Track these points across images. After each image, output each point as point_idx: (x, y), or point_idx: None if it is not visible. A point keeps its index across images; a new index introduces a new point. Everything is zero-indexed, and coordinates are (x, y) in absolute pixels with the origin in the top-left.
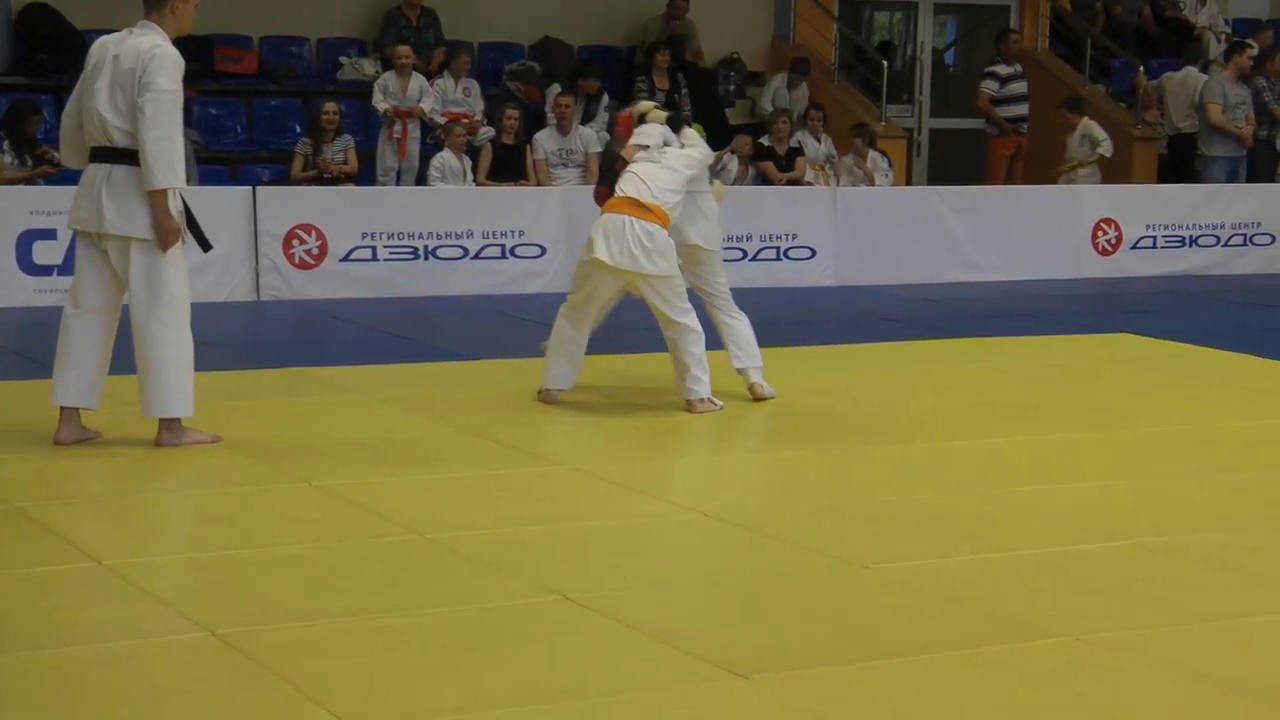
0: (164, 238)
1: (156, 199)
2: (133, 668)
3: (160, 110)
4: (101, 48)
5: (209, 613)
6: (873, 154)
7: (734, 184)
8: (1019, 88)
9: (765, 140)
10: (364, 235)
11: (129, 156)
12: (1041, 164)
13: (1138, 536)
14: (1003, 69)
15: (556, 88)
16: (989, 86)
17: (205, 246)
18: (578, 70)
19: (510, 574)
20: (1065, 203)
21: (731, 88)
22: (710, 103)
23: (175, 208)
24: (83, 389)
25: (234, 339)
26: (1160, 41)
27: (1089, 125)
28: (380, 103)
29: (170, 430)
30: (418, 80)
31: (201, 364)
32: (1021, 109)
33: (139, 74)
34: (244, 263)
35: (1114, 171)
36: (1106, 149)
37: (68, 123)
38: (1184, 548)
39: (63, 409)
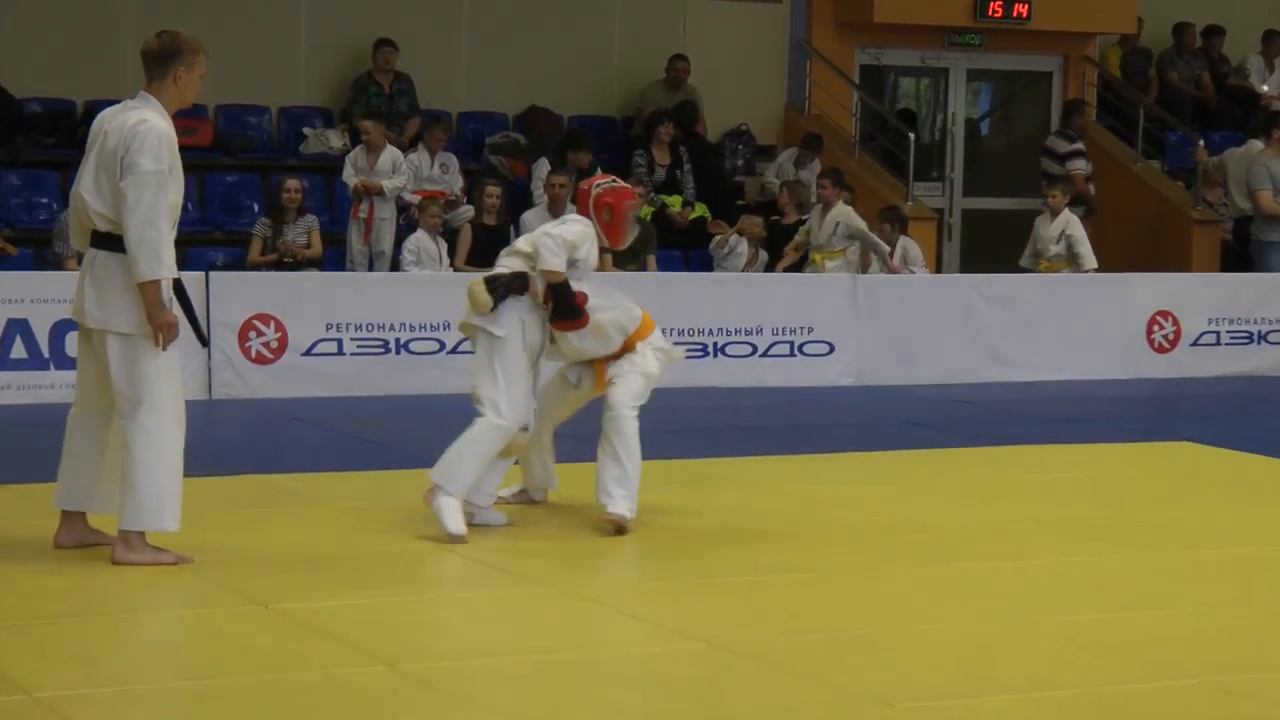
0: (157, 332)
1: (146, 292)
2: None
3: (144, 194)
4: (98, 122)
5: None
6: (904, 241)
7: (744, 268)
8: (1080, 167)
9: (776, 217)
10: (329, 327)
11: (111, 242)
12: (1095, 249)
13: (1204, 675)
14: (1063, 145)
15: (544, 163)
16: (1048, 164)
17: (202, 339)
18: (568, 142)
19: (490, 712)
20: (1116, 293)
21: (740, 162)
22: (715, 180)
23: (167, 297)
24: (82, 491)
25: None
26: (1221, 112)
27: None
28: (351, 178)
29: (127, 544)
30: (390, 154)
31: None
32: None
33: (121, 154)
34: (195, 357)
35: (1172, 258)
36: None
37: (71, 203)
38: (1259, 689)
39: (63, 512)
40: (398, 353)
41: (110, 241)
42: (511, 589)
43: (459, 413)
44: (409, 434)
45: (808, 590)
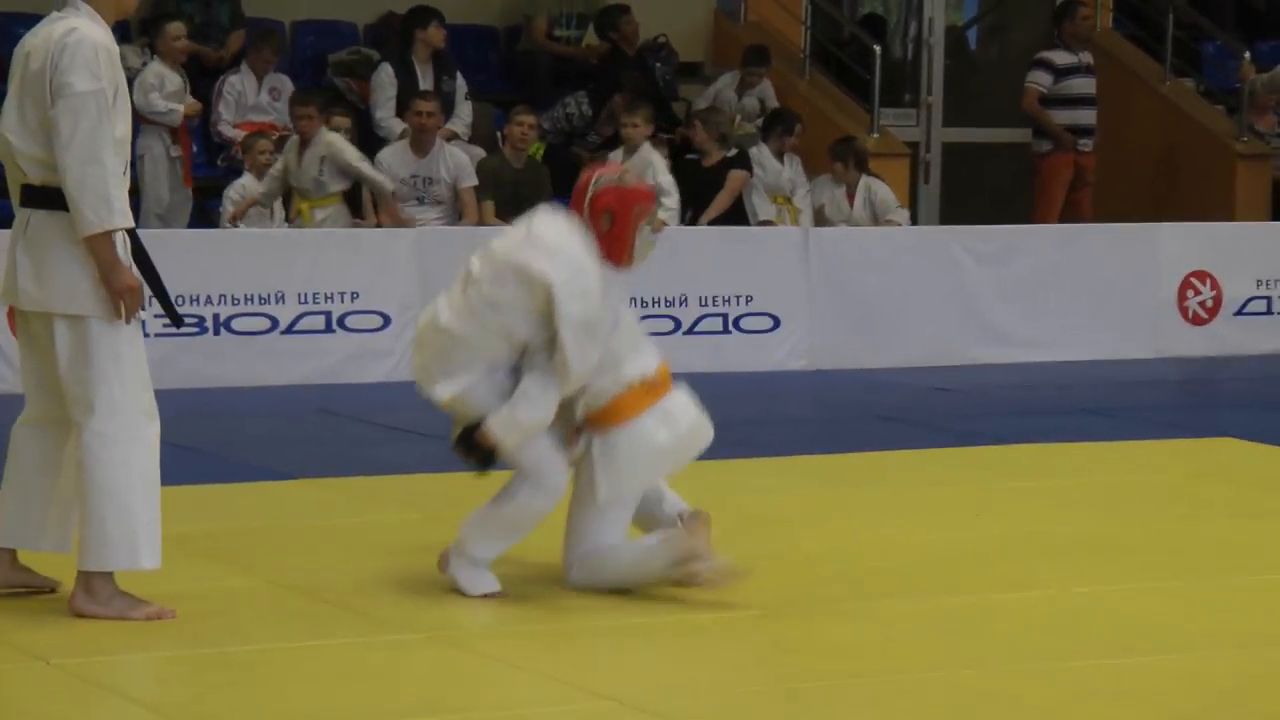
0: (117, 301)
1: (96, 248)
2: None
3: (81, 121)
4: (20, 45)
5: None
6: (868, 183)
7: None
8: (1083, 85)
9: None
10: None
11: (49, 197)
12: (1110, 191)
13: None
14: (1061, 57)
15: (388, 76)
16: (1039, 80)
17: (175, 318)
18: (444, 63)
19: None
20: (1141, 249)
21: (660, 83)
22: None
23: (126, 257)
24: (26, 526)
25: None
26: (1273, 17)
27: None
28: (149, 105)
29: (89, 591)
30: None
31: None
32: (1087, 115)
33: (50, 75)
34: None
35: (1211, 203)
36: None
37: None
38: None
39: None
40: (216, 333)
41: (48, 196)
42: (372, 636)
43: (294, 410)
44: (232, 437)
45: (751, 633)
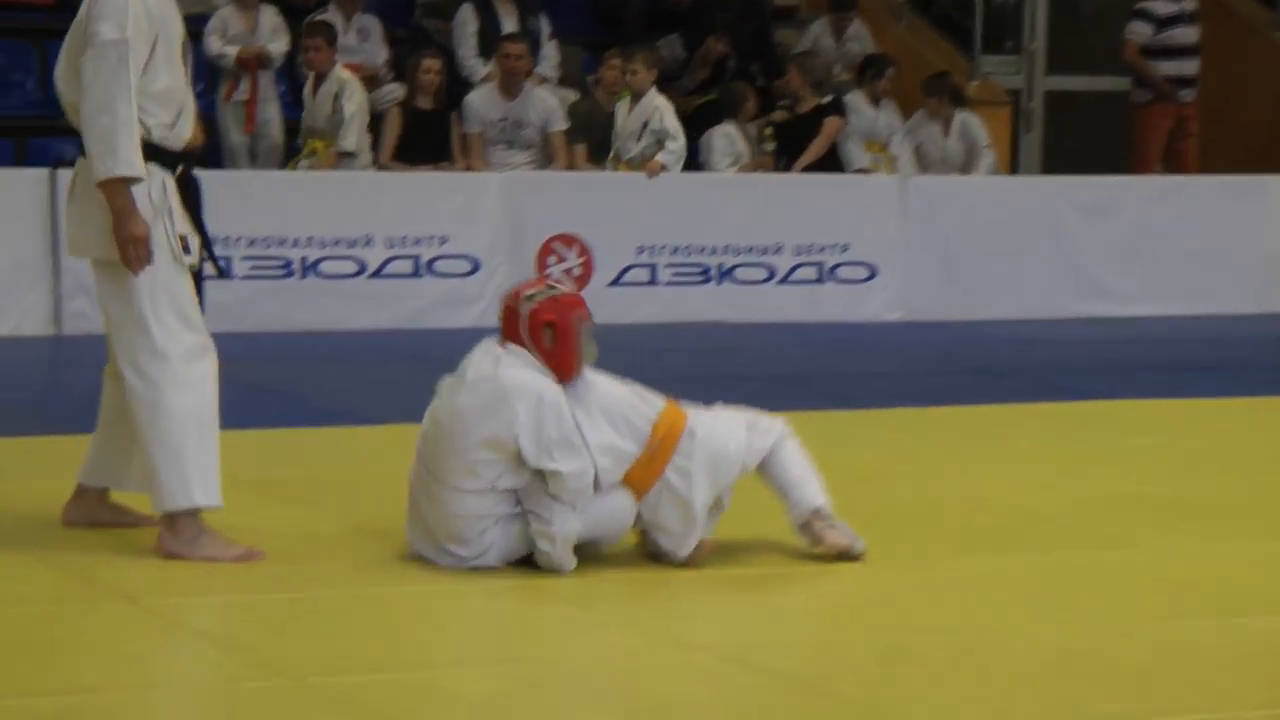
0: (124, 249)
1: (107, 195)
2: None
3: (100, 71)
4: None
5: None
6: (962, 118)
7: (749, 168)
8: (1185, 35)
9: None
10: (213, 241)
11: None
12: (1218, 144)
13: None
14: (1162, 7)
15: (469, 14)
16: (1139, 31)
17: (216, 268)
18: (528, 4)
19: None
20: (1250, 203)
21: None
22: (762, 46)
23: (145, 205)
24: (107, 466)
25: (23, 391)
26: None
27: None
28: (222, 47)
29: (172, 530)
30: (269, 15)
31: None
32: (1189, 66)
33: (85, 23)
34: (38, 281)
35: None
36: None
37: None
38: None
39: (78, 484)
40: (303, 276)
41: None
42: (457, 584)
43: (381, 355)
44: (318, 381)
45: (839, 587)
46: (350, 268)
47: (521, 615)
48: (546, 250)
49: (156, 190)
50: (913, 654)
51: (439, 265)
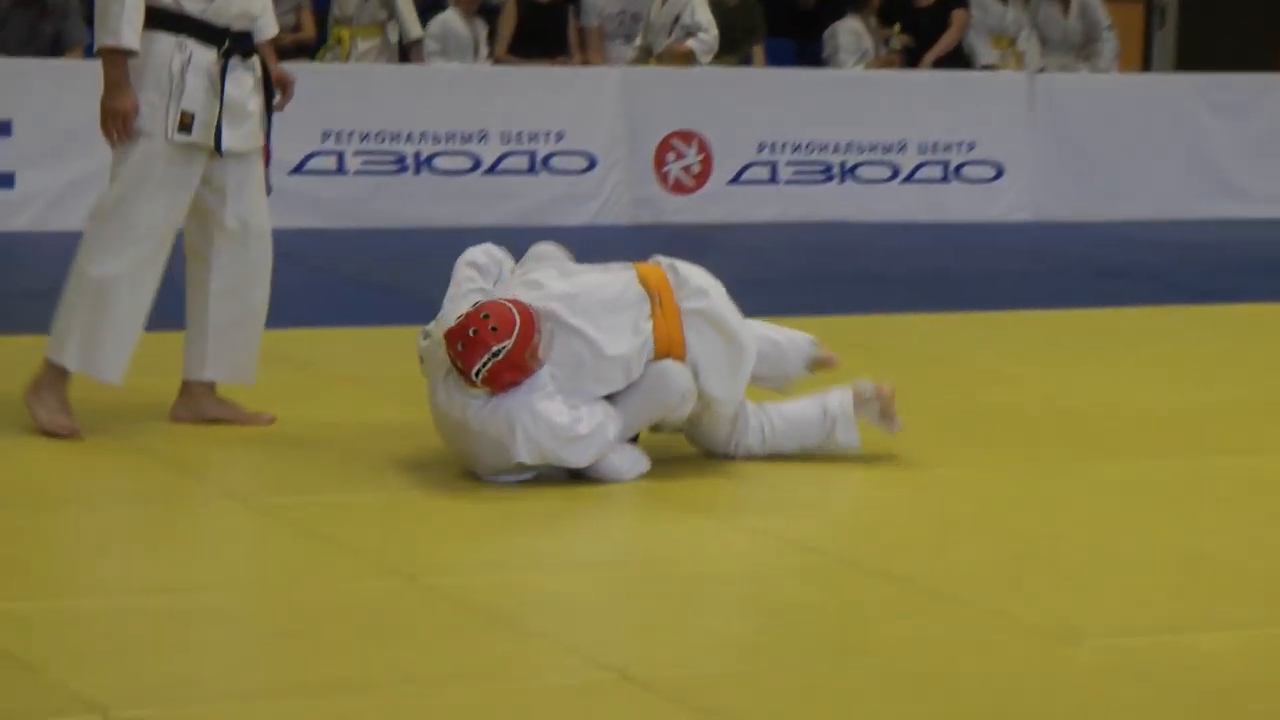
0: (102, 121)
1: (104, 64)
2: None
3: None
4: None
5: (100, 688)
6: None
7: (876, 65)
8: None
9: None
10: (325, 136)
11: None
12: None
13: None
14: None
15: None
16: None
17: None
18: None
19: (540, 637)
20: None
21: None
22: None
23: (163, 78)
24: (188, 355)
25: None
26: None
27: None
28: None
29: (35, 379)
30: None
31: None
32: None
33: None
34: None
35: None
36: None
37: None
38: None
39: (183, 380)
40: (417, 172)
41: None
42: (573, 486)
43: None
44: (429, 279)
45: (963, 493)
46: (465, 164)
47: (634, 520)
48: (665, 147)
49: (178, 64)
50: (1038, 560)
51: (555, 162)
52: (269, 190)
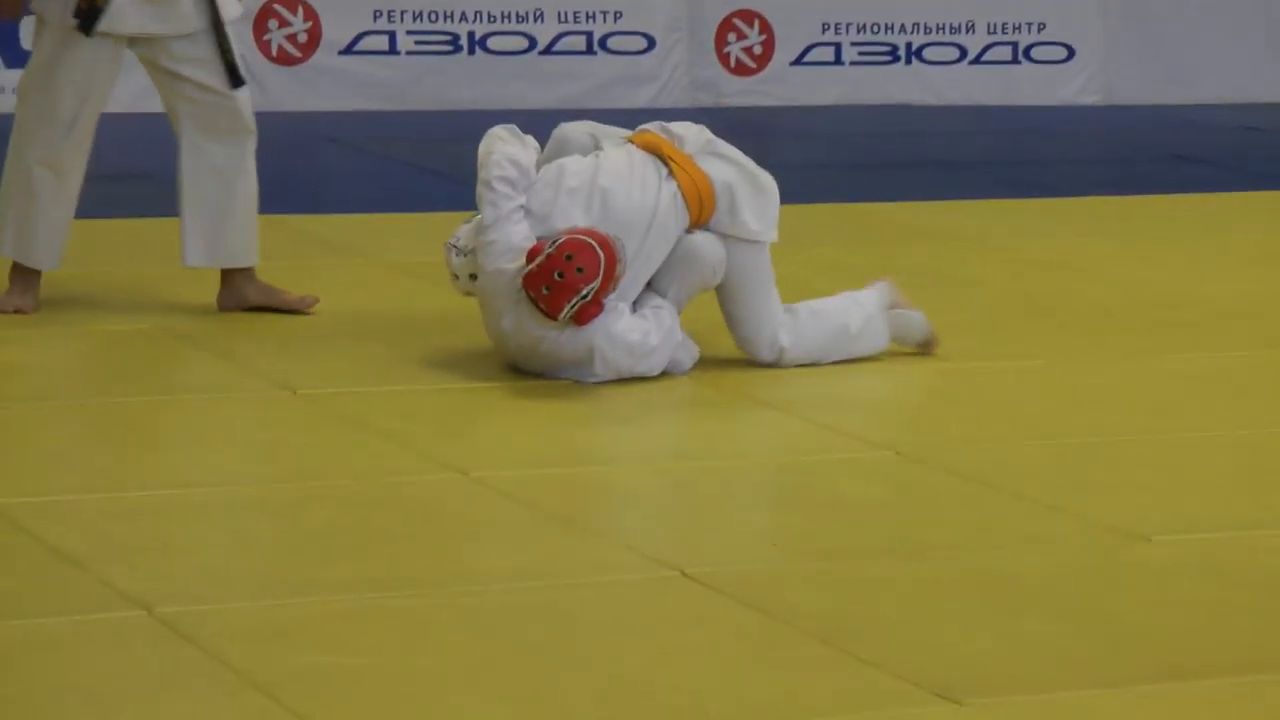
0: None
1: None
2: (52, 656)
3: None
4: None
5: (145, 583)
6: None
7: None
8: None
9: None
10: (376, 15)
11: None
12: None
13: None
14: None
15: None
16: None
17: (234, 76)
18: None
19: (598, 534)
20: None
21: None
22: None
23: None
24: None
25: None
26: None
27: None
28: None
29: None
30: None
31: (125, 207)
32: None
33: None
34: None
35: None
36: None
37: None
38: None
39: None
40: (471, 52)
41: None
42: (622, 385)
43: (549, 136)
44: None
45: (1031, 384)
46: (520, 44)
47: (690, 413)
48: (726, 27)
49: None
50: (1106, 455)
51: (612, 42)
52: (236, 81)
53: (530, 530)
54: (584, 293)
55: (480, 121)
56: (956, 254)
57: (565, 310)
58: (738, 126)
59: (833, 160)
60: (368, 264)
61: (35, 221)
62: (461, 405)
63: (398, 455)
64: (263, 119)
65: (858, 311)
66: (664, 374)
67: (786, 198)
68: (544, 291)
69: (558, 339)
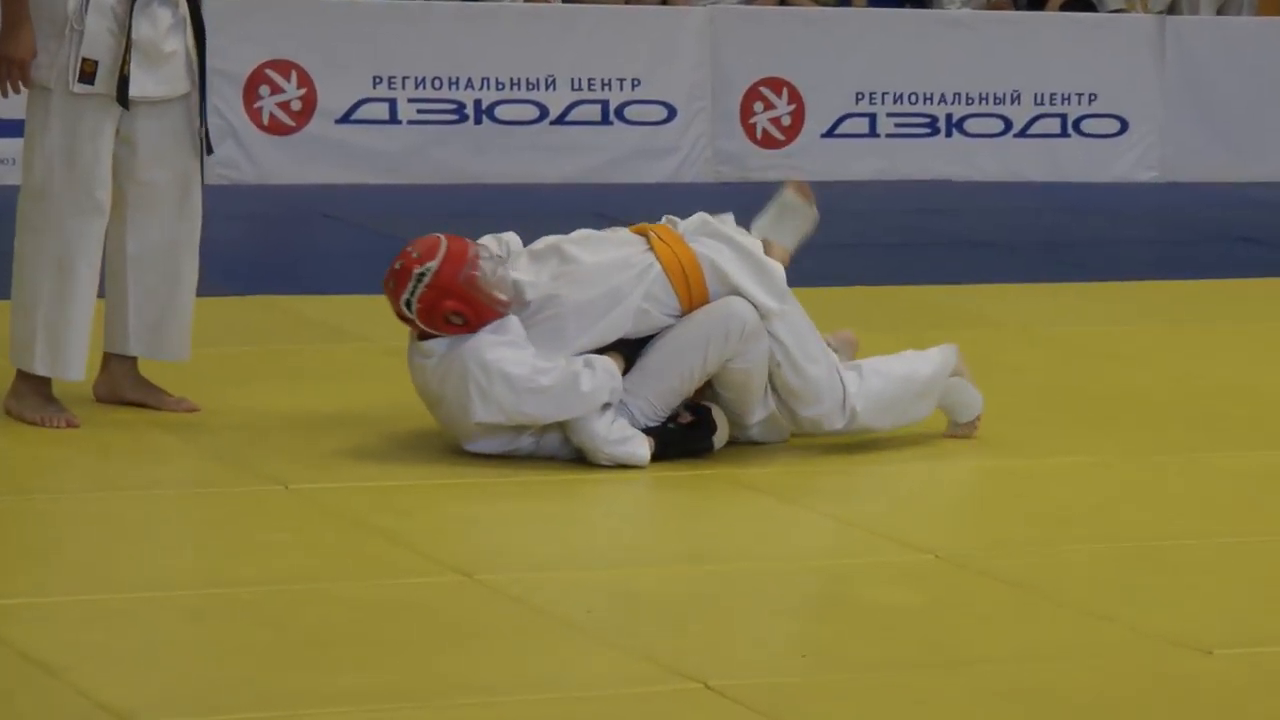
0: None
1: (3, 4)
2: None
3: None
4: None
5: (127, 694)
6: None
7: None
8: None
9: None
10: (376, 80)
11: None
12: None
13: None
14: None
15: None
16: None
17: (204, 141)
18: None
19: (613, 643)
20: None
21: None
22: None
23: (60, 18)
24: (112, 326)
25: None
26: None
27: None
28: None
29: (13, 388)
30: None
31: None
32: None
33: None
34: None
35: None
36: None
37: None
38: None
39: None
40: (478, 121)
41: None
42: (653, 473)
43: (564, 212)
44: None
45: (1077, 481)
46: (530, 113)
47: (699, 507)
48: (752, 95)
49: (75, 2)
50: (1157, 560)
51: (630, 111)
52: (208, 148)
53: (541, 638)
54: (419, 273)
55: (487, 196)
56: (998, 341)
57: (405, 294)
58: (764, 203)
59: (866, 239)
60: (363, 349)
61: (68, 329)
62: (462, 501)
63: (397, 556)
64: (254, 192)
65: (924, 365)
66: (665, 465)
67: (816, 280)
68: (390, 286)
69: (437, 370)
